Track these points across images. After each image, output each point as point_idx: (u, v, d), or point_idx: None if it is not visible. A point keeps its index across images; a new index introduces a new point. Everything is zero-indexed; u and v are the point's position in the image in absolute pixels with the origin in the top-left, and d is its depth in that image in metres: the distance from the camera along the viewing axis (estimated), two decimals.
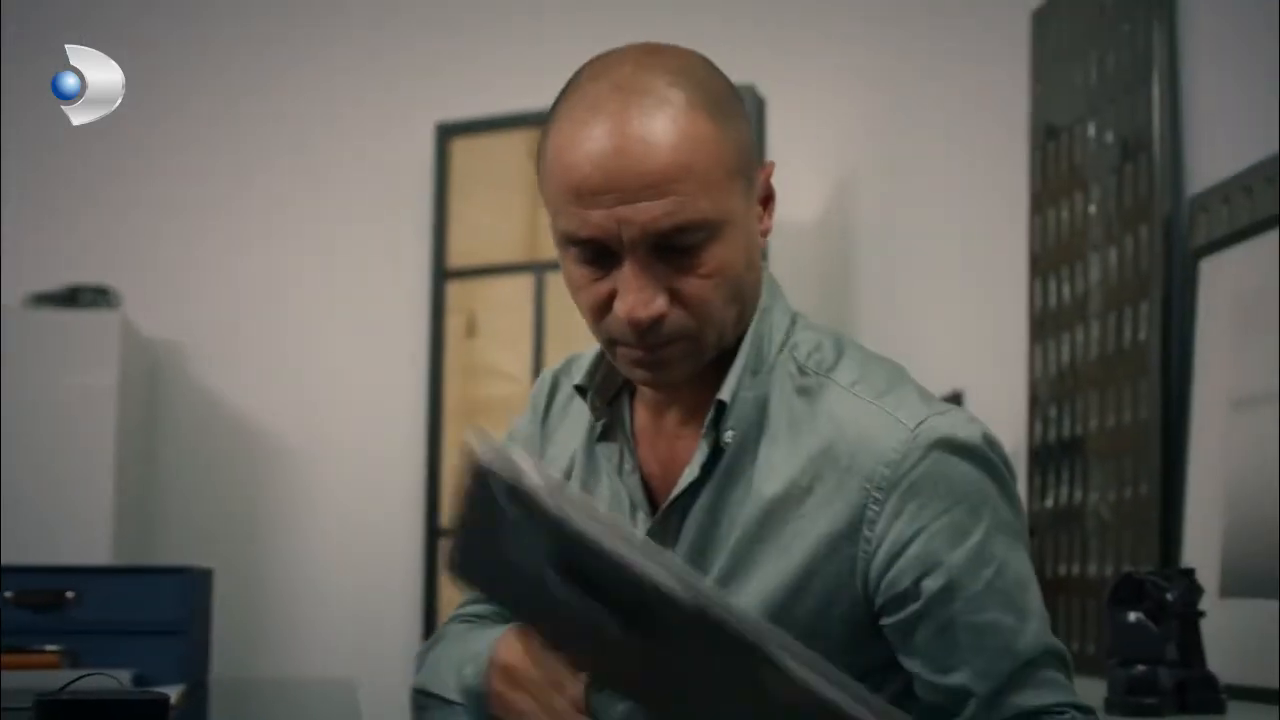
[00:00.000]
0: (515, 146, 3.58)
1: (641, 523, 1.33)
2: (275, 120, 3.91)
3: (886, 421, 1.26)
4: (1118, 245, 2.25)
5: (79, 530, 3.19)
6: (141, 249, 3.81)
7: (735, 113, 1.29)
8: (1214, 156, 2.08)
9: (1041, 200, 2.53)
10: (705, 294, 1.24)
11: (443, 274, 3.77)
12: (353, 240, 3.91)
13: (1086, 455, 2.31)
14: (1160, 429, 2.09)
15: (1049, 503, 2.42)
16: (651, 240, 1.21)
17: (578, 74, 1.31)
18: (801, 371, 1.31)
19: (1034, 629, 1.24)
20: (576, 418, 1.41)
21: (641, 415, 1.36)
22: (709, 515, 1.29)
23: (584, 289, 1.27)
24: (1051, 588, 2.37)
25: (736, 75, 3.68)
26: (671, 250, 1.22)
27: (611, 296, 1.25)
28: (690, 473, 1.29)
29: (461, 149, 3.75)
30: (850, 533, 1.24)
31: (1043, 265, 2.51)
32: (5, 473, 3.22)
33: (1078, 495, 2.33)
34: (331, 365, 3.87)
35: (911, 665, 1.26)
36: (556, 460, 1.42)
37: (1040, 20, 2.58)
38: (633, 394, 1.37)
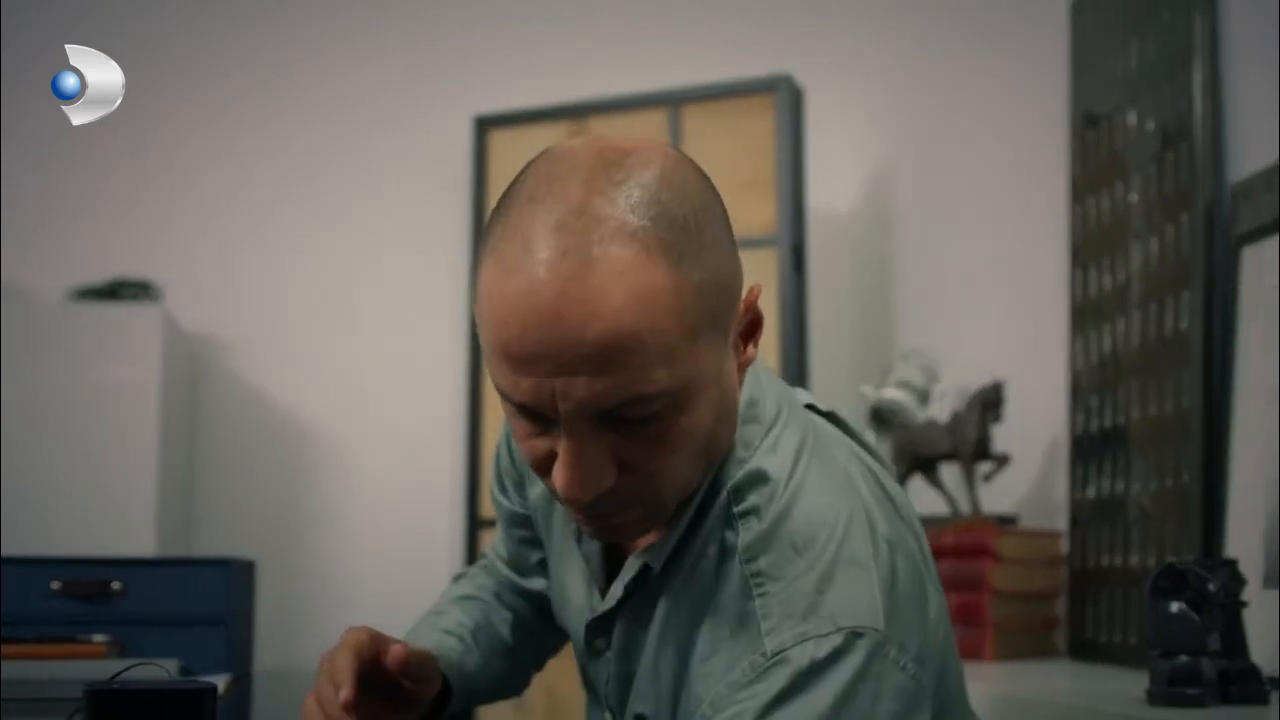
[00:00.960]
0: (553, 139, 3.57)
1: (594, 596, 1.27)
2: (314, 114, 3.93)
3: (751, 637, 1.10)
4: (1159, 233, 2.24)
5: (123, 522, 3.23)
6: (182, 243, 3.84)
7: (712, 243, 1.06)
8: (1256, 143, 2.07)
9: (1081, 189, 2.51)
10: (662, 464, 1.07)
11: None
12: (391, 231, 3.93)
13: (1128, 445, 2.30)
14: (1202, 418, 2.08)
15: (1090, 493, 2.41)
16: (592, 415, 1.03)
17: (518, 181, 1.09)
18: (728, 523, 1.15)
19: None
20: None
21: None
22: (628, 633, 1.22)
23: (523, 442, 1.10)
24: (1093, 578, 2.36)
25: (774, 65, 3.69)
26: (621, 421, 1.04)
27: (552, 456, 1.07)
28: (615, 593, 1.21)
29: (500, 141, 3.76)
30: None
31: (1083, 254, 2.50)
32: (49, 465, 3.26)
33: (1119, 485, 2.32)
34: (371, 356, 3.89)
35: None
36: (541, 499, 1.38)
37: (1079, 7, 2.56)
38: None
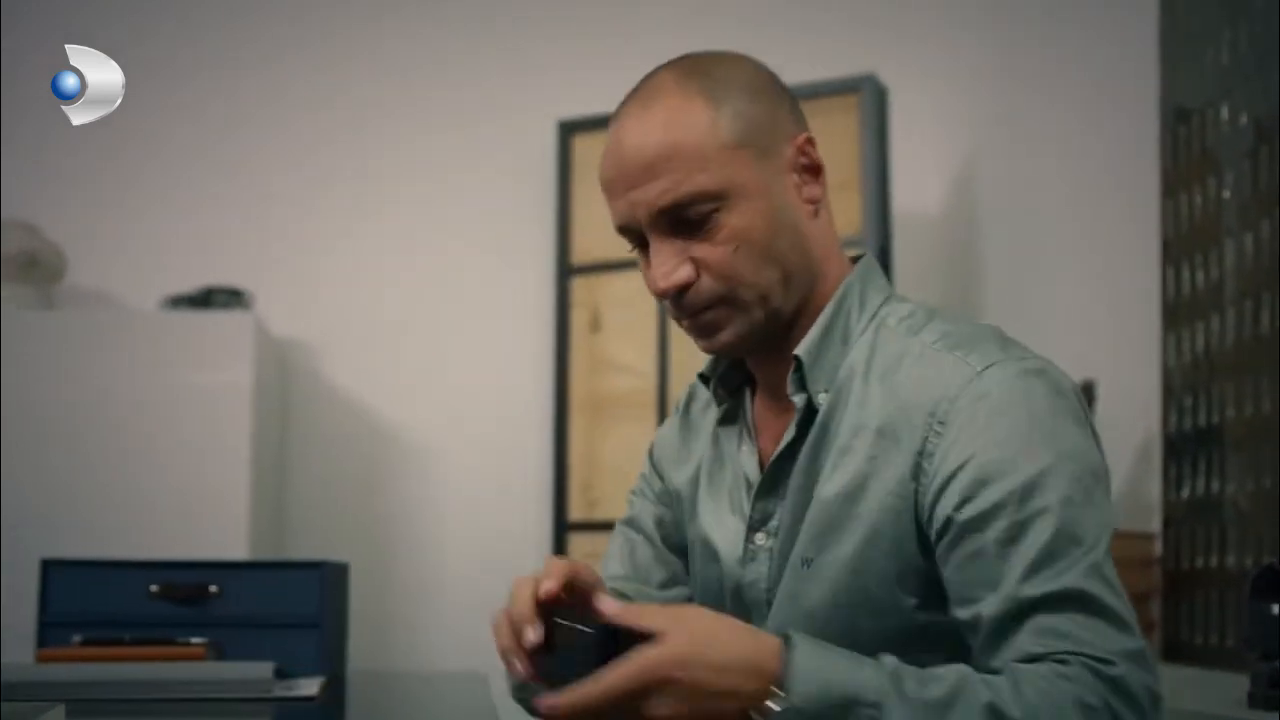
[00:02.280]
0: None
1: (752, 497, 1.41)
2: (400, 120, 3.97)
3: (955, 363, 1.31)
4: (1253, 230, 2.20)
5: (217, 526, 3.27)
6: (272, 250, 3.89)
7: (747, 92, 1.37)
8: None
9: (1173, 185, 2.48)
10: (726, 259, 1.33)
11: (567, 270, 3.80)
12: (477, 237, 3.95)
13: (1223, 445, 2.26)
14: None
15: (1185, 493, 2.38)
16: (662, 218, 1.33)
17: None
18: (891, 336, 1.36)
19: (1068, 573, 1.20)
20: (711, 414, 1.51)
21: (761, 403, 1.45)
22: (806, 476, 1.37)
23: (644, 275, 1.39)
24: (1187, 580, 2.33)
25: (857, 65, 3.67)
26: (686, 223, 1.33)
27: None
28: (787, 435, 1.37)
29: (583, 145, 3.77)
30: (914, 470, 1.29)
31: (1175, 251, 2.46)
32: (145, 470, 3.32)
33: (1215, 486, 2.28)
34: (458, 361, 3.92)
35: (953, 612, 1.26)
36: (693, 454, 1.53)
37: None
38: (755, 385, 1.46)
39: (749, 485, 1.43)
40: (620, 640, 1.17)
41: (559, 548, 3.69)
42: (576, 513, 3.72)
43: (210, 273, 3.70)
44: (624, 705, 1.15)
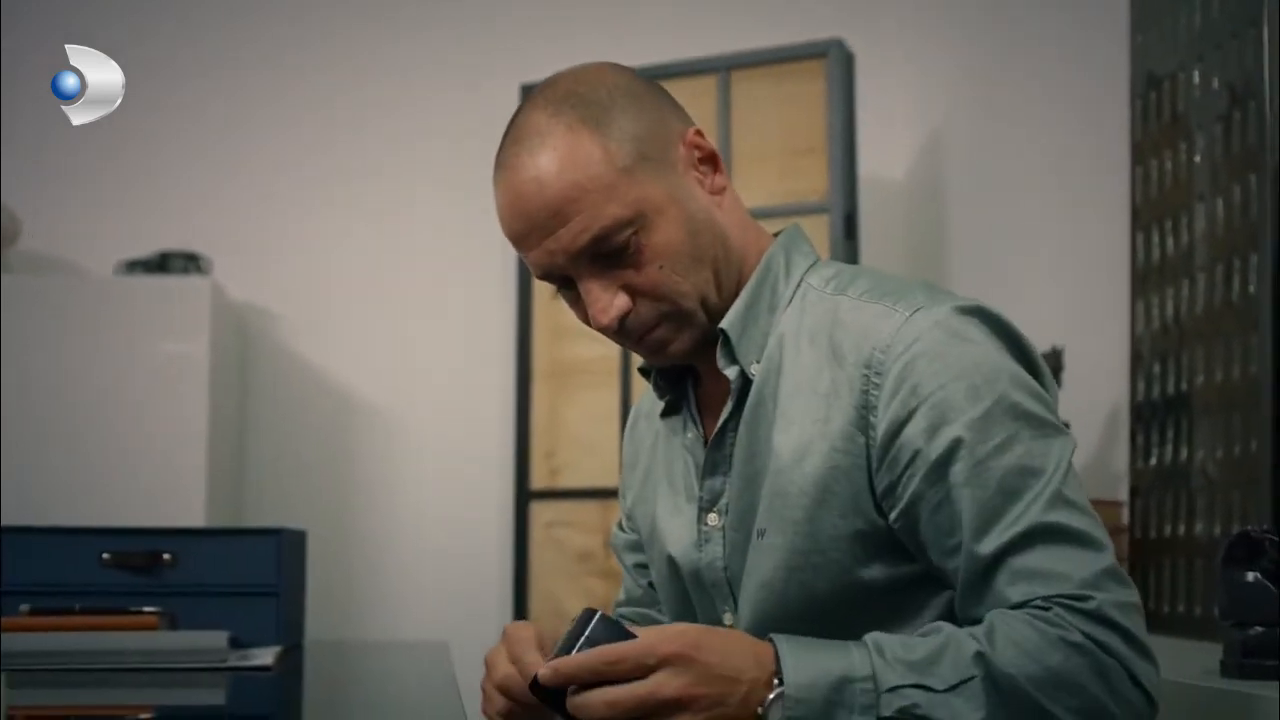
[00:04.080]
0: None
1: (699, 473, 1.42)
2: (361, 85, 3.91)
3: (883, 312, 1.31)
4: (1224, 195, 2.18)
5: (173, 494, 3.22)
6: (229, 215, 3.83)
7: (625, 106, 1.35)
8: None
9: (1143, 151, 2.45)
10: (656, 279, 1.33)
11: None
12: (438, 202, 3.90)
13: (1192, 413, 2.24)
14: (1271, 384, 2.02)
15: (1153, 461, 2.36)
16: (582, 257, 1.32)
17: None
18: (818, 298, 1.37)
19: (1031, 508, 1.21)
20: (656, 416, 1.52)
21: (704, 389, 1.46)
22: (749, 449, 1.37)
23: (573, 311, 1.39)
24: (1155, 549, 2.31)
25: (824, 30, 3.64)
26: (607, 256, 1.32)
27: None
28: (725, 410, 1.38)
29: None
30: (860, 425, 1.28)
31: (1145, 218, 2.44)
32: (100, 438, 3.26)
33: (1183, 453, 2.26)
34: (419, 329, 3.87)
35: (932, 564, 1.27)
36: (640, 463, 1.56)
37: None
38: (697, 373, 1.47)
39: (696, 468, 1.43)
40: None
41: (521, 516, 3.65)
42: (539, 481, 3.69)
43: (167, 238, 3.63)
44: (632, 674, 1.14)
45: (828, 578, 1.31)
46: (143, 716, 1.60)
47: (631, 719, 1.14)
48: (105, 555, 2.02)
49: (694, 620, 1.48)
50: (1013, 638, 1.18)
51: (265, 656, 1.85)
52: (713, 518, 1.42)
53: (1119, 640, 1.18)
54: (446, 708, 1.56)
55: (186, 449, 3.28)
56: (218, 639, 1.80)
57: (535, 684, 1.22)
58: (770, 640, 1.20)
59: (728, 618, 1.42)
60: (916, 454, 1.26)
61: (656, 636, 1.17)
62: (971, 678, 1.17)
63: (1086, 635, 1.18)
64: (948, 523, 1.25)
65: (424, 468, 3.83)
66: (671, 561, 1.47)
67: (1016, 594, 1.21)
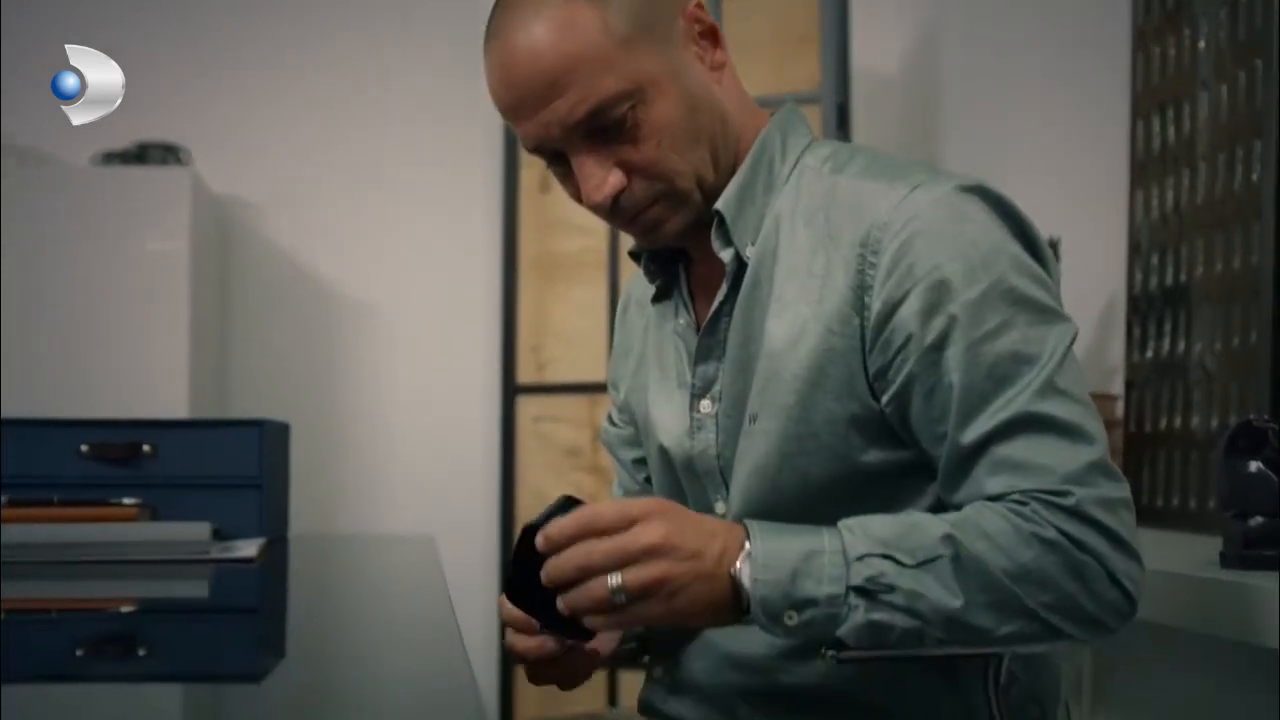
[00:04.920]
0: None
1: (692, 359, 1.39)
2: None
3: (882, 190, 1.27)
4: (1228, 82, 2.12)
5: (155, 388, 3.19)
6: (209, 105, 3.75)
7: None
8: None
9: (1145, 37, 2.39)
10: (654, 156, 1.29)
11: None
12: (423, 97, 3.82)
13: (1191, 304, 2.20)
14: (1273, 274, 1.98)
15: (1149, 354, 2.33)
16: (578, 131, 1.27)
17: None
18: (815, 178, 1.33)
19: (1020, 396, 1.19)
20: (648, 302, 1.49)
21: (697, 273, 1.42)
22: (743, 333, 1.33)
23: (564, 187, 1.35)
24: (1150, 442, 2.29)
25: None
26: (604, 130, 1.28)
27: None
28: (720, 294, 1.34)
29: None
30: (856, 306, 1.25)
31: (1145, 106, 2.38)
32: (81, 331, 3.21)
33: (1180, 346, 2.23)
34: (404, 222, 3.81)
35: (926, 450, 1.25)
36: (632, 351, 1.53)
37: None
38: (689, 258, 1.43)
39: (689, 354, 1.39)
40: None
41: (508, 411, 3.63)
42: (525, 375, 3.65)
43: (145, 128, 3.55)
44: (613, 529, 1.14)
45: (821, 463, 1.28)
46: (124, 609, 1.57)
47: (611, 567, 1.14)
48: (84, 447, 1.98)
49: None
50: (984, 529, 1.16)
51: (248, 549, 1.82)
52: (705, 404, 1.39)
53: (1098, 537, 1.16)
54: (434, 601, 1.54)
55: (168, 341, 3.23)
56: (200, 530, 1.77)
57: (511, 591, 1.21)
58: (743, 522, 1.20)
59: (719, 506, 1.39)
60: (910, 337, 1.22)
61: (643, 500, 1.17)
62: (939, 556, 1.16)
63: (1061, 532, 1.15)
64: (939, 409, 1.22)
65: (409, 362, 3.79)
66: (664, 451, 1.44)
67: (995, 485, 1.18)
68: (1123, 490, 1.19)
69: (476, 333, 3.76)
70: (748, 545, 1.17)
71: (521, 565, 1.20)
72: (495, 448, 3.68)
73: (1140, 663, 2.21)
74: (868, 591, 1.15)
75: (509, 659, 3.64)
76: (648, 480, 1.57)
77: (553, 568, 1.14)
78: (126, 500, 1.88)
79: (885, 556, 1.16)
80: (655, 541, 1.14)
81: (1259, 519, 1.48)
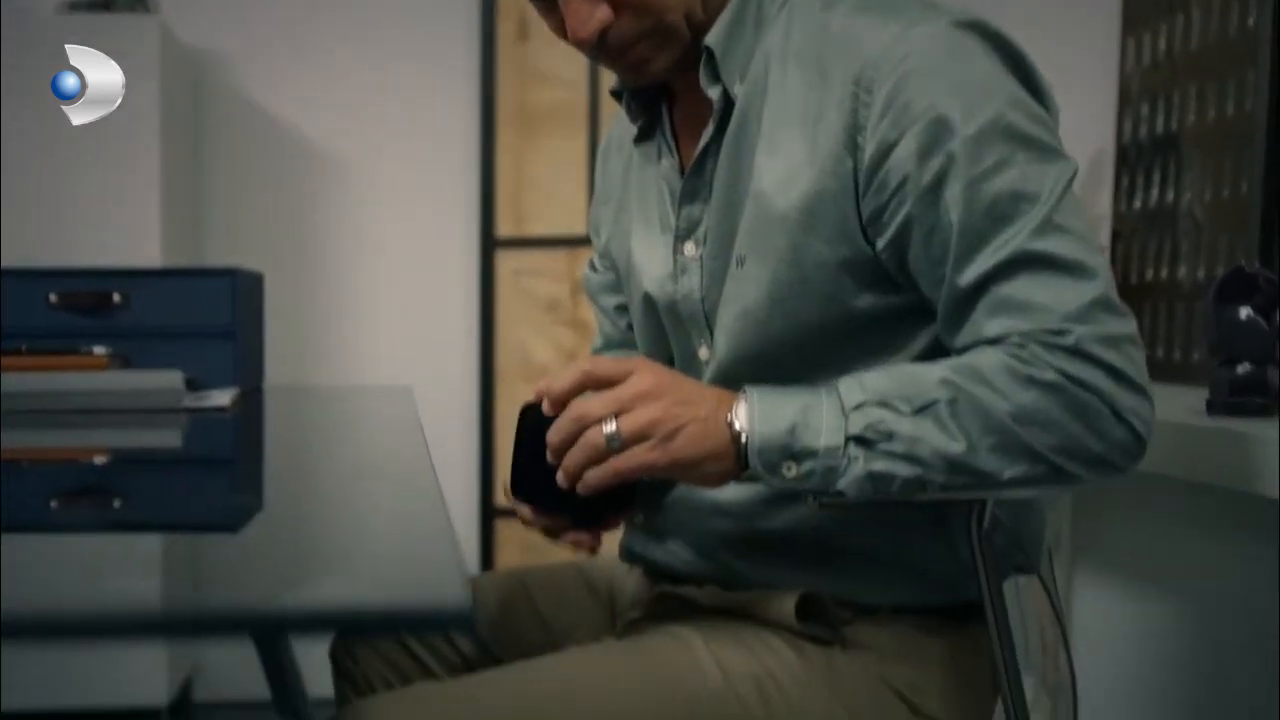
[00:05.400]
0: None
1: (675, 197, 1.36)
2: None
3: (875, 26, 1.22)
4: None
5: (127, 236, 3.13)
6: None
7: None
8: None
9: None
10: None
11: None
12: None
13: (1181, 153, 2.17)
14: (1266, 122, 1.94)
15: (1137, 205, 2.29)
16: None
17: None
18: (806, 14, 1.28)
19: (1019, 235, 1.16)
20: (629, 144, 1.46)
21: (680, 113, 1.38)
22: (730, 173, 1.30)
23: (547, 21, 1.32)
24: (1136, 294, 2.26)
25: None
26: None
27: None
28: (706, 133, 1.30)
29: None
30: (849, 147, 1.21)
31: None
32: (50, 181, 3.15)
33: (1169, 196, 2.20)
34: (380, 73, 3.72)
35: (926, 294, 1.23)
36: (613, 195, 1.50)
37: None
38: (672, 97, 1.39)
39: (672, 196, 1.36)
40: None
41: (487, 264, 3.59)
42: (505, 229, 3.61)
43: None
44: (610, 381, 1.16)
45: (812, 308, 1.26)
46: (97, 459, 1.55)
47: (606, 415, 1.15)
48: (53, 297, 1.94)
49: (669, 362, 1.43)
50: (982, 373, 1.13)
51: (222, 398, 1.79)
52: (689, 247, 1.35)
53: (1101, 375, 1.13)
54: (411, 449, 1.51)
55: (139, 191, 3.17)
56: (172, 379, 1.74)
57: (514, 482, 1.22)
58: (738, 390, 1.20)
59: (703, 352, 1.36)
60: (906, 178, 1.18)
61: (630, 359, 1.18)
62: (936, 401, 1.14)
63: (1061, 372, 1.12)
64: (938, 250, 1.18)
65: (386, 216, 3.73)
66: (647, 297, 1.41)
67: (994, 327, 1.15)
68: (1128, 326, 1.16)
69: (455, 186, 3.70)
70: (743, 400, 1.16)
71: (522, 450, 1.21)
72: (474, 302, 3.64)
73: (1120, 511, 2.21)
74: (867, 441, 1.14)
75: (489, 509, 3.64)
76: (630, 328, 1.55)
77: (555, 430, 1.16)
78: (97, 350, 1.84)
79: (882, 404, 1.14)
80: (648, 387, 1.14)
81: (1246, 366, 1.47)
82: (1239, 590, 1.90)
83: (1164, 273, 2.19)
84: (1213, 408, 1.51)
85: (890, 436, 1.14)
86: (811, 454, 1.14)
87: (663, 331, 1.42)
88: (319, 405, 2.16)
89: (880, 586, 1.31)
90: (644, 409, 1.14)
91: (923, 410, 1.14)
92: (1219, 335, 1.48)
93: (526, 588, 1.57)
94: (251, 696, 3.03)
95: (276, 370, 2.34)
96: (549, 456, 1.18)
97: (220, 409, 1.74)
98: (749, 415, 1.15)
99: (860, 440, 1.14)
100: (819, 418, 1.14)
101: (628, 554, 1.49)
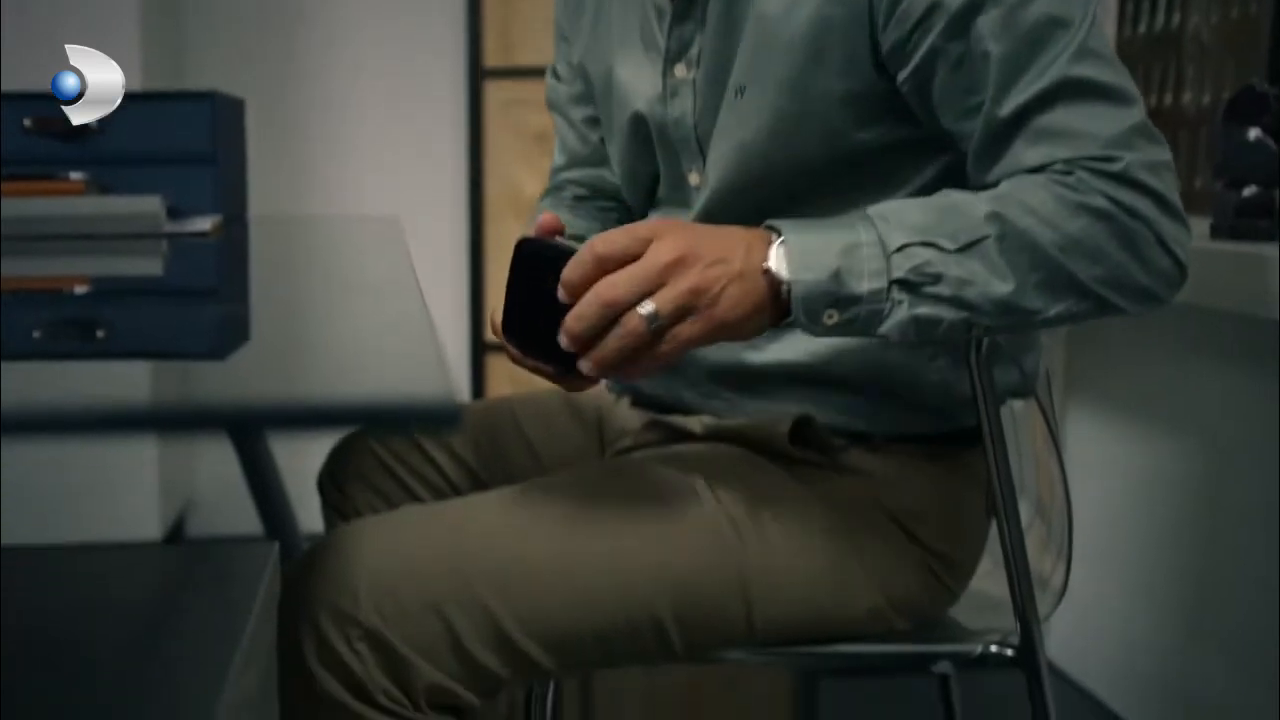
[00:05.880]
0: None
1: (666, 27, 1.30)
2: None
3: None
4: None
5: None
6: None
7: None
8: None
9: None
10: None
11: None
12: None
13: None
14: None
15: (1142, 29, 2.23)
16: None
17: None
18: None
19: (1058, 61, 1.10)
20: None
21: None
22: None
23: None
24: None
25: None
26: None
27: None
28: None
29: None
30: None
31: None
32: (30, 3, 3.07)
33: (1175, 20, 2.14)
34: None
35: (941, 128, 1.17)
36: (587, 4, 1.44)
37: None
38: None
39: (659, 14, 1.30)
40: None
41: (475, 93, 3.52)
42: (493, 59, 3.53)
43: None
44: (627, 257, 1.05)
45: (815, 142, 1.21)
46: (77, 288, 1.51)
47: (638, 295, 1.04)
48: (27, 121, 1.88)
49: (652, 184, 1.40)
50: (1028, 203, 1.08)
51: (203, 224, 1.75)
52: (680, 69, 1.30)
53: (1148, 203, 1.09)
54: (399, 279, 1.48)
55: (119, 19, 3.09)
56: (151, 204, 1.69)
57: (507, 320, 1.13)
58: (766, 224, 1.11)
59: (694, 177, 1.32)
60: (934, 7, 1.13)
61: (649, 222, 1.07)
62: (984, 237, 1.08)
63: (1111, 199, 1.08)
64: (967, 80, 1.13)
65: (373, 44, 3.64)
66: (638, 117, 1.36)
67: (1035, 157, 1.10)
68: (1166, 153, 1.12)
69: (442, 13, 3.61)
70: (776, 242, 1.08)
71: (516, 290, 1.11)
72: (463, 133, 3.58)
73: (1116, 337, 2.19)
74: (912, 284, 1.07)
75: (479, 344, 3.62)
76: (602, 143, 1.50)
77: (576, 319, 1.05)
78: (74, 175, 1.79)
79: (926, 244, 1.08)
80: (677, 255, 1.04)
81: (1253, 188, 1.43)
82: (1237, 415, 1.89)
83: (1168, 99, 2.14)
84: (1217, 231, 1.47)
85: (937, 279, 1.07)
86: (855, 300, 1.08)
87: (648, 152, 1.37)
88: (304, 233, 2.13)
89: (875, 415, 1.29)
90: (679, 280, 1.04)
91: (969, 247, 1.08)
92: (1226, 156, 1.44)
93: (514, 415, 1.55)
94: (242, 532, 3.05)
95: (260, 201, 2.29)
96: (565, 343, 1.06)
97: (201, 234, 1.70)
98: (788, 262, 1.07)
99: (905, 284, 1.08)
100: (860, 261, 1.07)
101: (615, 385, 1.47)
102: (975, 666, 1.32)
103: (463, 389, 3.56)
